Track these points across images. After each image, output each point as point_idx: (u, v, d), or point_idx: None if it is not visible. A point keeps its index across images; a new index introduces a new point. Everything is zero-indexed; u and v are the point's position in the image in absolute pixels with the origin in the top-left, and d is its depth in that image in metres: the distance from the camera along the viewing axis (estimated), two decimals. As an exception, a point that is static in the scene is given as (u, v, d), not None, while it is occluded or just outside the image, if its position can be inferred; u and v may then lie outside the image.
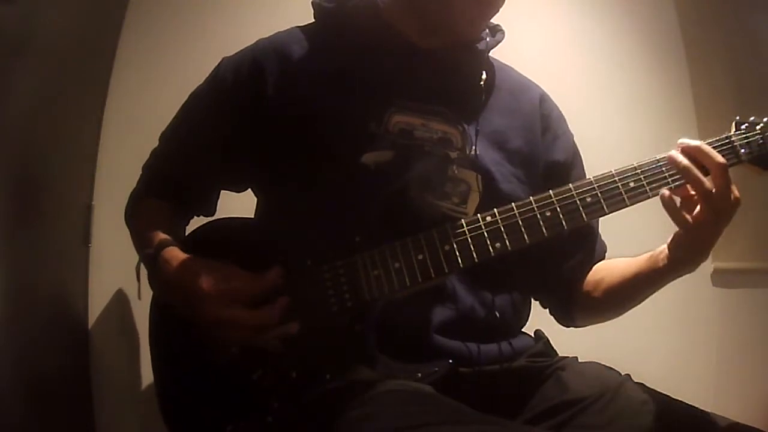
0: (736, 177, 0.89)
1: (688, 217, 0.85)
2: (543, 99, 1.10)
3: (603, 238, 1.11)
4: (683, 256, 0.90)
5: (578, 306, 1.06)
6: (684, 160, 0.86)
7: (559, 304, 1.09)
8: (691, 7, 1.88)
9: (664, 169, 0.88)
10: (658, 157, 0.89)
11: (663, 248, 0.93)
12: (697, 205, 0.86)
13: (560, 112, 1.12)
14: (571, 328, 1.11)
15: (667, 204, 0.85)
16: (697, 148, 0.87)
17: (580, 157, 1.12)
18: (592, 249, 1.08)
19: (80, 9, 1.23)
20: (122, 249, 1.09)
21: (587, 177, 0.91)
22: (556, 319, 1.11)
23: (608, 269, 1.05)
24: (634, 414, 0.86)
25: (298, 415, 0.84)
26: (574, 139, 1.13)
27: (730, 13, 1.90)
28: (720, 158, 0.86)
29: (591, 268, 1.07)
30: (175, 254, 0.93)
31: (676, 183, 0.88)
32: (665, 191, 0.86)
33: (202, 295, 0.87)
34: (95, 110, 1.35)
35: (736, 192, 0.86)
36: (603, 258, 1.09)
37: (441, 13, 0.97)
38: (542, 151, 1.05)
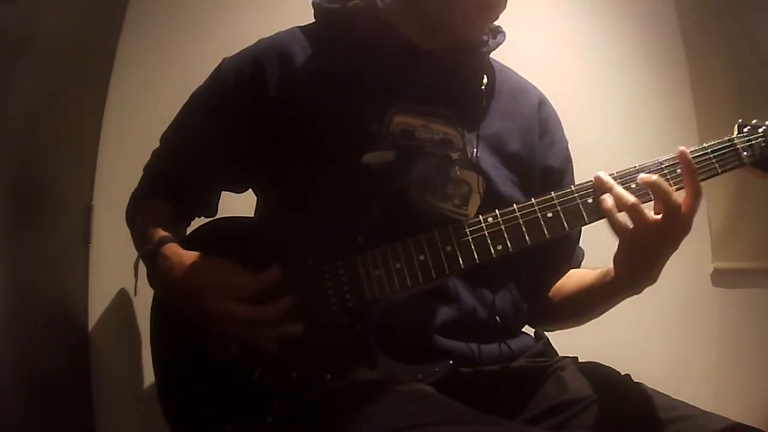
0: (735, 176, 0.89)
1: (626, 225, 0.84)
2: (542, 102, 1.10)
3: (597, 242, 1.10)
4: (624, 276, 0.89)
5: (541, 309, 1.06)
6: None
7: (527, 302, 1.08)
8: (691, 8, 1.88)
9: (666, 171, 0.88)
10: (659, 159, 0.89)
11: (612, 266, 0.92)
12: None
13: (558, 117, 1.12)
14: (571, 329, 1.11)
15: (605, 208, 0.85)
16: (654, 184, 0.85)
17: (572, 165, 1.12)
18: (568, 255, 1.08)
19: (80, 9, 1.23)
20: (122, 249, 1.09)
21: (588, 178, 0.90)
22: None
23: (571, 277, 1.05)
24: (634, 414, 0.86)
25: (298, 415, 0.83)
26: (575, 139, 1.13)
27: (730, 13, 1.90)
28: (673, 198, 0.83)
29: (563, 274, 1.07)
30: (175, 250, 0.93)
31: (678, 186, 0.87)
32: (608, 201, 0.85)
33: (201, 289, 0.87)
34: (95, 110, 1.35)
35: (688, 221, 0.84)
36: (578, 266, 1.09)
37: (441, 14, 0.97)
38: (539, 155, 1.05)
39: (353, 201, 0.91)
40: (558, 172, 1.07)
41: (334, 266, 0.89)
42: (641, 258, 0.86)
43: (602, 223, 0.89)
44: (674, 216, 0.83)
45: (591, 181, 0.89)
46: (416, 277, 0.87)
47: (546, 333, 1.05)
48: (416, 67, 0.99)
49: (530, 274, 1.04)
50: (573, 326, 1.06)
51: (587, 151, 1.13)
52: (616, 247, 0.87)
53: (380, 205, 0.90)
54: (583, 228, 1.07)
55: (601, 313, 0.99)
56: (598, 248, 1.08)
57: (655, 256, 0.85)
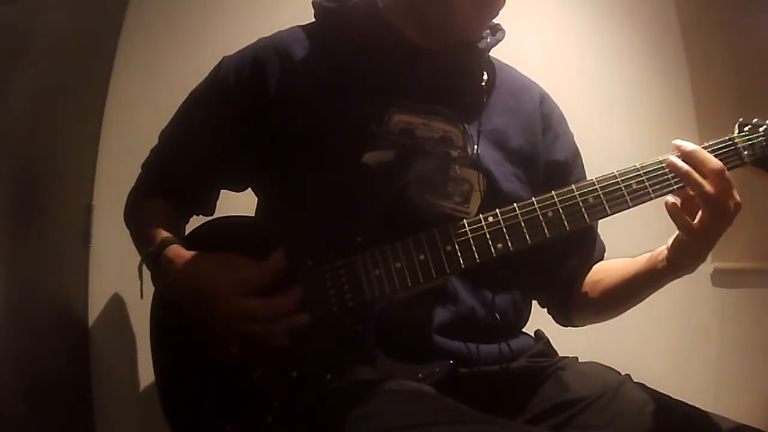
0: (735, 177, 0.89)
1: (691, 221, 0.86)
2: (543, 98, 1.10)
3: (603, 238, 1.11)
4: (683, 259, 0.90)
5: (576, 306, 1.06)
6: (684, 165, 0.87)
7: (557, 303, 1.09)
8: (691, 7, 1.88)
9: (667, 170, 0.89)
10: (660, 159, 0.89)
11: (662, 250, 0.93)
12: (698, 207, 0.86)
13: (560, 111, 1.12)
14: (571, 328, 1.11)
15: (672, 211, 0.86)
16: (693, 153, 0.87)
17: (581, 157, 1.12)
18: (591, 249, 1.08)
19: (80, 9, 1.23)
20: (122, 249, 1.09)
21: (587, 177, 0.91)
22: (554, 318, 1.11)
23: (606, 270, 1.05)
24: (634, 414, 0.86)
25: (298, 415, 0.83)
26: (574, 138, 1.13)
27: (730, 13, 1.90)
28: (716, 163, 0.86)
29: (590, 269, 1.07)
30: (179, 252, 0.93)
31: (679, 185, 0.88)
32: (669, 199, 0.87)
33: (214, 290, 0.86)
34: (95, 110, 1.35)
35: (737, 196, 0.86)
36: (602, 258, 1.09)
37: (440, 13, 0.97)
38: (543, 151, 1.05)
39: (353, 201, 0.91)
40: (565, 165, 1.07)
41: (334, 266, 0.89)
42: (716, 231, 0.86)
43: (613, 220, 0.89)
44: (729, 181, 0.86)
45: (591, 181, 0.89)
46: (416, 277, 0.87)
47: (546, 333, 1.05)
48: (416, 66, 0.99)
49: (558, 274, 1.05)
50: (611, 318, 1.05)
51: (587, 150, 1.13)
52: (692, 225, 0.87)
53: (380, 204, 0.90)
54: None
55: (641, 301, 0.99)
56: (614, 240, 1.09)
57: (718, 234, 0.87)
